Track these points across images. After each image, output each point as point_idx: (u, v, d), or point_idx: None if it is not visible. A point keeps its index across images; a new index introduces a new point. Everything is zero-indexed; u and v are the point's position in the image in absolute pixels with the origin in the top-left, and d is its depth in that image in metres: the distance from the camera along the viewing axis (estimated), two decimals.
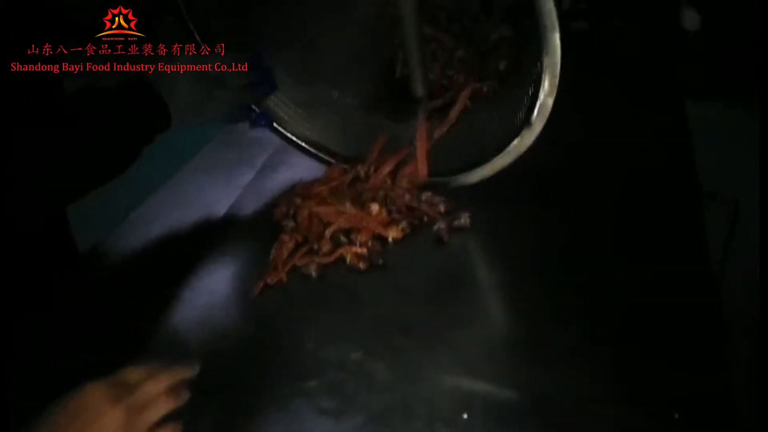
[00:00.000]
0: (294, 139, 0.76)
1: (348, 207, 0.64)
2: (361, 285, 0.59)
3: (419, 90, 0.75)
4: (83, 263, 0.66)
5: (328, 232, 0.63)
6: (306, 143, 0.76)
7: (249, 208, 0.72)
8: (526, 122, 0.56)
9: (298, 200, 0.68)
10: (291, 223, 0.66)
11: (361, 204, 0.66)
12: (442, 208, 0.65)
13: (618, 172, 0.67)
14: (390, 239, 0.63)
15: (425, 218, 0.65)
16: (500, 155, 0.60)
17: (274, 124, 0.73)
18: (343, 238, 0.63)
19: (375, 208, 0.64)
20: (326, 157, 0.75)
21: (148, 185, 0.74)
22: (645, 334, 0.49)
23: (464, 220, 0.64)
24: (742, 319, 0.71)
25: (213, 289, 0.61)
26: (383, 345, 0.52)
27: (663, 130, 0.74)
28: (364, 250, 0.61)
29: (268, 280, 0.60)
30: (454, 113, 0.69)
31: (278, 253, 0.62)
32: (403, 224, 0.63)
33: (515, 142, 0.58)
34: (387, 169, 0.68)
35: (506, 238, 0.62)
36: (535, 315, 0.52)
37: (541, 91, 0.52)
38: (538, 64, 0.51)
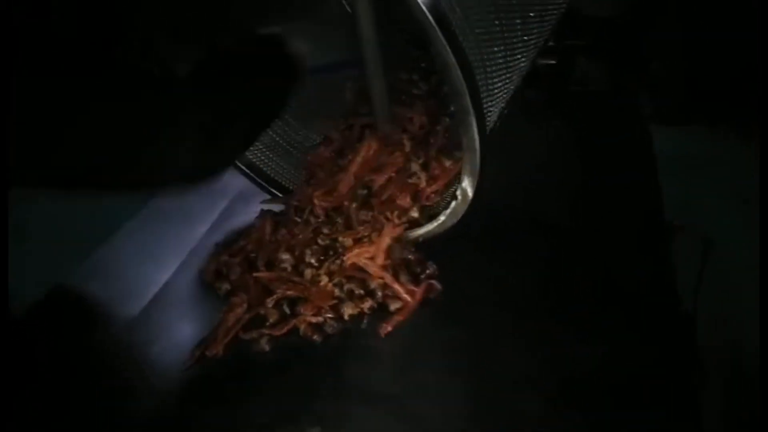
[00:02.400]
0: (259, 181, 0.76)
1: (288, 273, 0.62)
2: (319, 352, 0.57)
3: (383, 128, 0.72)
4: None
5: (270, 302, 0.60)
6: (271, 185, 0.76)
7: (201, 263, 0.69)
8: (454, 199, 0.57)
9: (224, 258, 0.65)
10: (225, 285, 0.63)
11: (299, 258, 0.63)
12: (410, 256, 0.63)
13: (583, 212, 0.69)
14: (346, 316, 0.59)
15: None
16: (430, 225, 0.61)
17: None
18: (286, 309, 0.60)
19: (324, 280, 0.61)
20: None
21: (94, 238, 0.70)
22: (617, 394, 0.49)
23: (431, 270, 0.62)
24: (717, 355, 0.73)
25: (156, 356, 0.59)
26: (342, 417, 0.50)
27: (629, 164, 0.76)
28: (320, 319, 0.58)
29: (207, 351, 0.57)
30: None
31: (224, 319, 0.59)
32: (370, 302, 0.60)
33: (445, 215, 0.59)
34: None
35: (472, 291, 0.61)
36: (504, 380, 0.52)
37: (463, 173, 0.53)
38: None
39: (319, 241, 0.65)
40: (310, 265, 0.63)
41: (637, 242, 0.65)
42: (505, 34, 0.50)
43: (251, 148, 0.76)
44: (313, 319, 0.58)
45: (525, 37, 0.55)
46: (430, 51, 0.44)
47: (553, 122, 0.84)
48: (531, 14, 0.55)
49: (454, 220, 0.59)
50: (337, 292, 0.60)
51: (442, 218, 0.60)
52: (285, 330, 0.58)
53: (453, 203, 0.57)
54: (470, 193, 0.54)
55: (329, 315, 0.58)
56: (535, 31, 0.57)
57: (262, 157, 0.77)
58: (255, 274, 0.62)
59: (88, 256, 0.70)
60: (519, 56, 0.54)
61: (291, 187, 0.76)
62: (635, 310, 0.57)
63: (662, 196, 0.69)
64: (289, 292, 0.60)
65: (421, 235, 0.63)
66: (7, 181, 0.41)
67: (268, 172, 0.77)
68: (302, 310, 0.59)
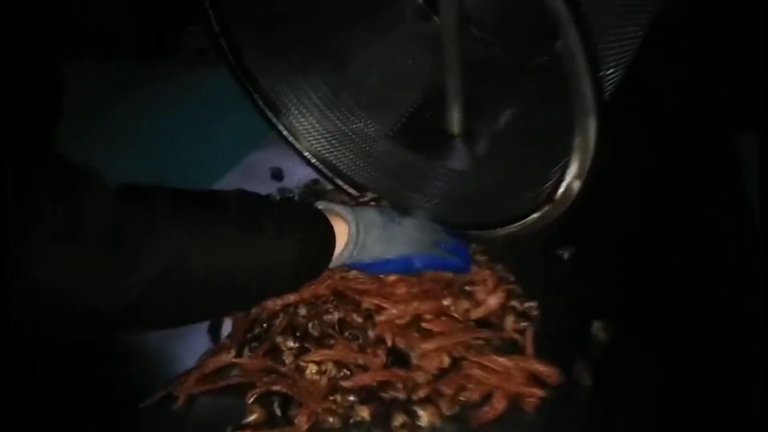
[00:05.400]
0: (322, 169, 0.74)
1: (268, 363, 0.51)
2: None
3: (454, 126, 0.70)
4: None
5: (250, 397, 0.49)
6: (335, 174, 0.74)
7: None
8: (549, 200, 0.53)
9: None
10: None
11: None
12: None
13: (669, 219, 0.67)
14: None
15: None
16: (516, 225, 0.57)
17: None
18: (276, 410, 0.48)
19: (312, 369, 0.50)
20: (351, 190, 0.74)
21: None
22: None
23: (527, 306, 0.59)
24: None
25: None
26: None
27: (713, 167, 0.73)
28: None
29: (174, 391, 0.50)
30: None
31: (202, 364, 0.52)
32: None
33: (535, 216, 0.55)
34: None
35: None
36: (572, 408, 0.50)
37: (567, 173, 0.49)
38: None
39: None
40: (289, 349, 0.52)
41: (726, 249, 0.62)
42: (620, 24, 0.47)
43: (316, 136, 0.75)
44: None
45: (633, 28, 0.51)
46: (556, 48, 0.41)
47: (633, 126, 0.79)
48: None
49: (547, 221, 0.55)
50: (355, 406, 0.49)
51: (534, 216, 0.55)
52: None
53: (547, 207, 0.53)
54: (575, 192, 0.50)
55: (330, 418, 0.47)
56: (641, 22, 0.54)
57: (327, 146, 0.75)
58: (235, 361, 0.53)
59: None
60: (627, 48, 0.51)
61: (355, 177, 0.74)
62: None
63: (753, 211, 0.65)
64: (274, 387, 0.49)
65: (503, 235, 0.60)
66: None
67: (333, 161, 0.75)
68: (296, 416, 0.47)
